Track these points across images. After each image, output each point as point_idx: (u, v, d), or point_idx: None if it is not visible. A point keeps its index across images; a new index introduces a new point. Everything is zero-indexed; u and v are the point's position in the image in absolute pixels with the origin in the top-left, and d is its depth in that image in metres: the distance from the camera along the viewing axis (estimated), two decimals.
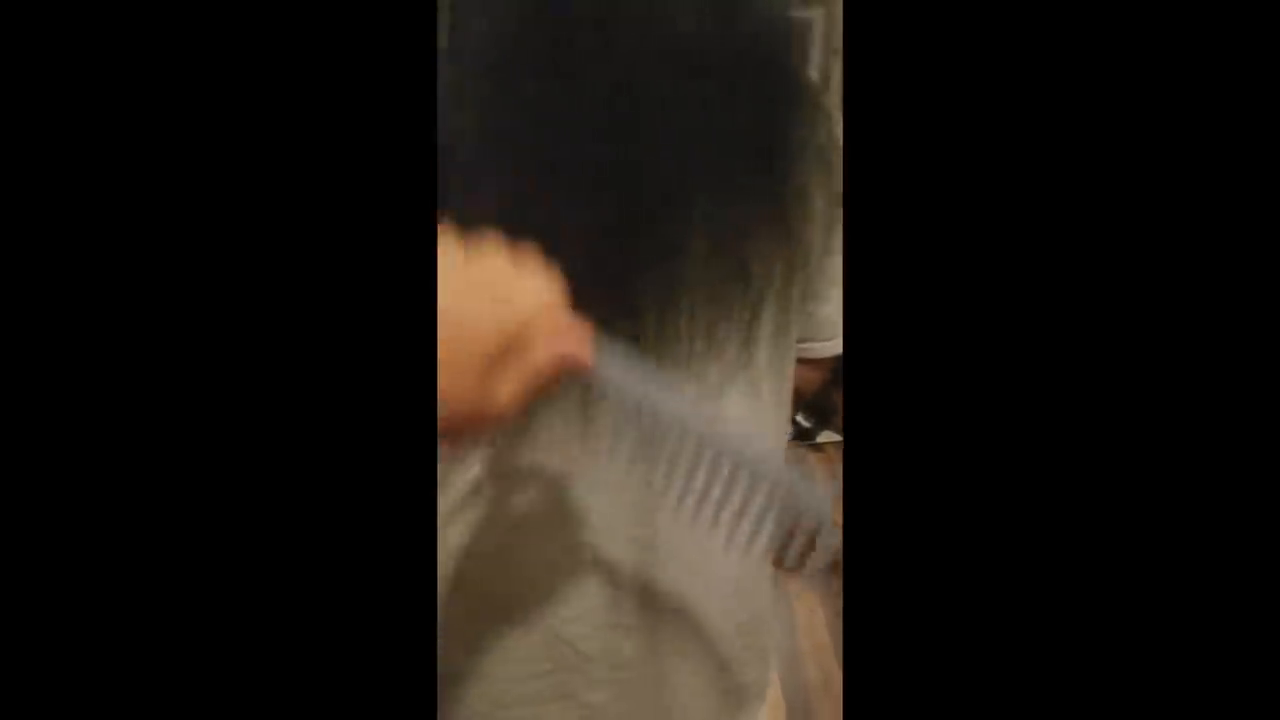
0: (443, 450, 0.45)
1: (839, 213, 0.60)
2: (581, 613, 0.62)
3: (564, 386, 0.55)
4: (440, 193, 0.53)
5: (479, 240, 0.42)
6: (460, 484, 0.59)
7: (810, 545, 0.47)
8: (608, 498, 0.58)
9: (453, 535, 0.60)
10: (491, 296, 0.40)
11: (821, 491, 0.46)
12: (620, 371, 0.45)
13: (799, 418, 2.74)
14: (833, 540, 0.45)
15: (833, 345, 0.68)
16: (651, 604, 0.62)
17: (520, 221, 0.51)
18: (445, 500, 0.60)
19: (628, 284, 0.52)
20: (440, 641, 0.64)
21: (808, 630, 1.64)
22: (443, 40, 0.49)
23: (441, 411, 0.38)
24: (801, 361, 0.67)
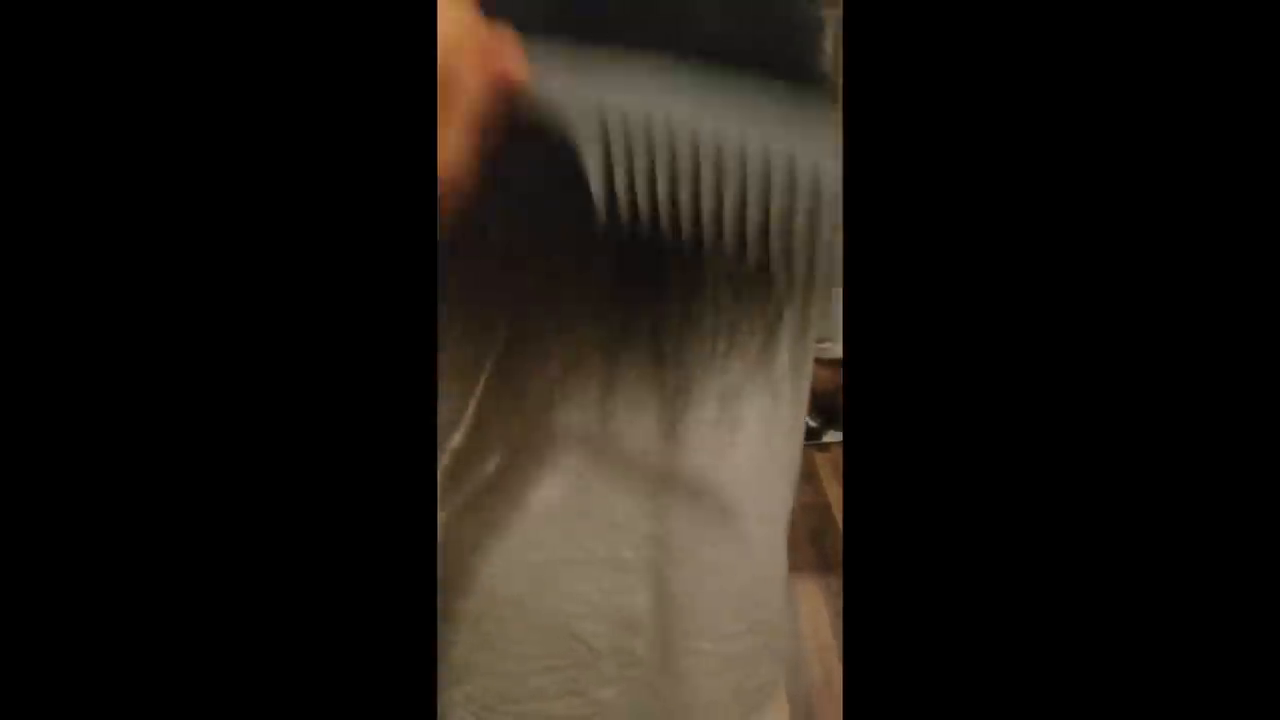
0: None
1: None
2: (593, 609, 0.62)
3: (580, 385, 0.55)
4: (476, 184, 0.53)
5: None
6: (476, 478, 0.59)
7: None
8: (622, 495, 0.58)
9: (466, 530, 0.61)
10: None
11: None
12: (561, 82, 0.40)
13: (807, 418, 2.74)
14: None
15: None
16: (664, 602, 0.62)
17: (546, 219, 0.51)
18: (459, 495, 0.60)
19: (653, 280, 0.52)
20: (451, 635, 0.64)
21: (812, 630, 1.64)
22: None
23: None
24: (817, 361, 0.67)
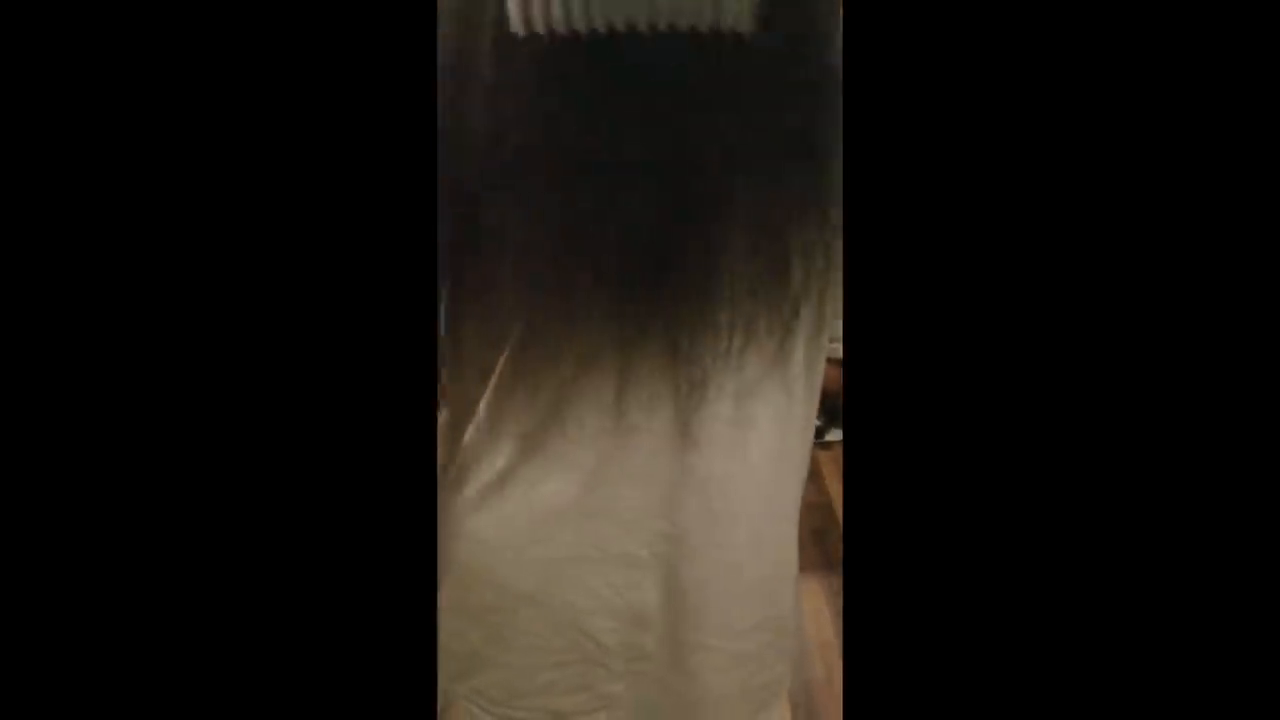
0: None
1: None
2: (603, 605, 0.62)
3: (594, 381, 0.55)
4: (483, 182, 0.53)
5: None
6: (487, 473, 0.59)
7: None
8: (635, 491, 0.58)
9: (478, 525, 0.61)
10: None
11: None
12: None
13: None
14: None
15: None
16: (675, 599, 0.62)
17: (564, 213, 0.51)
18: (471, 489, 0.60)
19: (669, 277, 0.52)
20: (460, 629, 0.65)
21: (815, 628, 1.64)
22: (489, 36, 0.48)
23: None
24: (828, 360, 0.67)
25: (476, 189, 0.53)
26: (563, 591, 0.62)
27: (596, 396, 0.55)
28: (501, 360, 0.56)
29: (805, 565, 0.71)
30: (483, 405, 0.58)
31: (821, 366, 0.62)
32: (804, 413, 0.61)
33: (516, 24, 0.48)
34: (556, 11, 0.47)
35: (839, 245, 0.55)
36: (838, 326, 0.66)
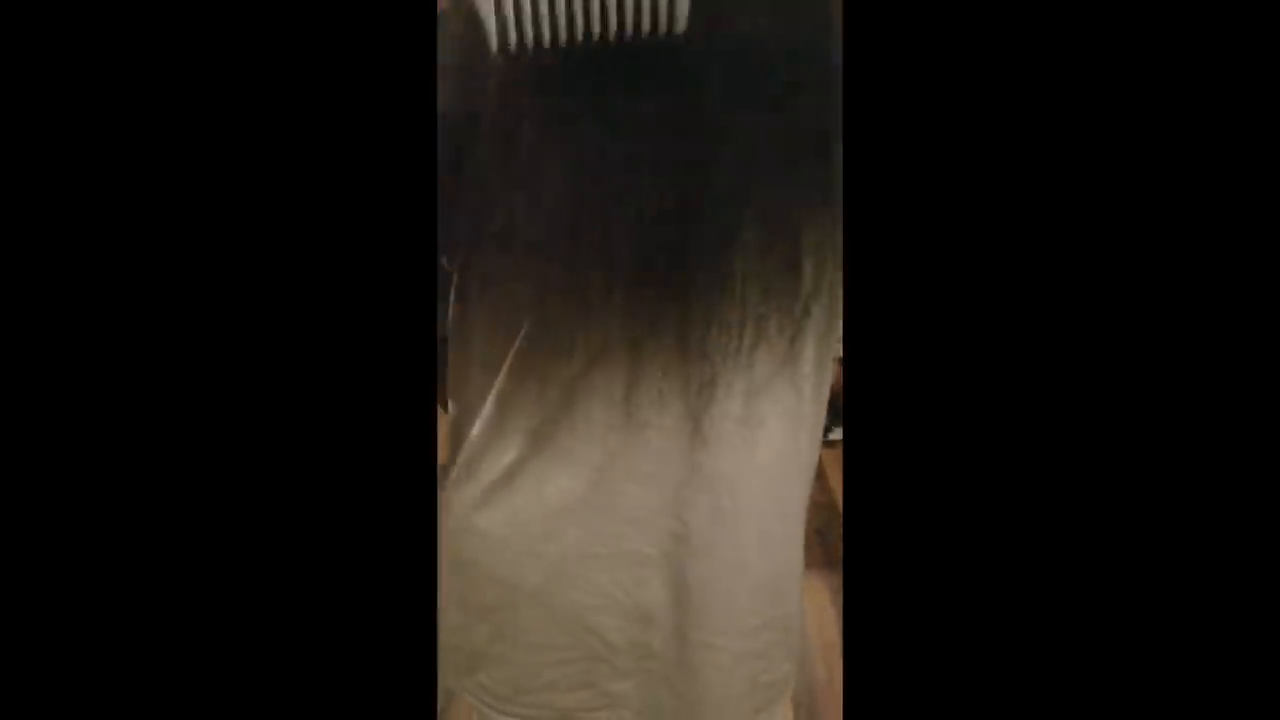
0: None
1: None
2: (610, 603, 0.62)
3: (604, 378, 0.55)
4: (503, 178, 0.53)
5: None
6: (495, 468, 0.59)
7: None
8: (644, 488, 0.58)
9: (485, 520, 0.61)
10: None
11: None
12: None
13: None
14: None
15: None
16: (681, 597, 0.62)
17: (576, 210, 0.51)
18: (478, 486, 0.60)
19: (680, 274, 0.52)
20: (466, 625, 0.65)
21: (817, 628, 1.64)
22: (497, 40, 0.48)
23: None
24: (835, 359, 0.67)
25: (486, 182, 0.53)
26: (569, 588, 0.61)
27: (606, 392, 0.55)
28: (511, 354, 0.56)
29: (808, 564, 0.71)
30: (491, 399, 0.58)
31: (831, 366, 0.62)
32: (813, 412, 0.61)
33: (510, 40, 0.48)
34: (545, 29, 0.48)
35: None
36: None
